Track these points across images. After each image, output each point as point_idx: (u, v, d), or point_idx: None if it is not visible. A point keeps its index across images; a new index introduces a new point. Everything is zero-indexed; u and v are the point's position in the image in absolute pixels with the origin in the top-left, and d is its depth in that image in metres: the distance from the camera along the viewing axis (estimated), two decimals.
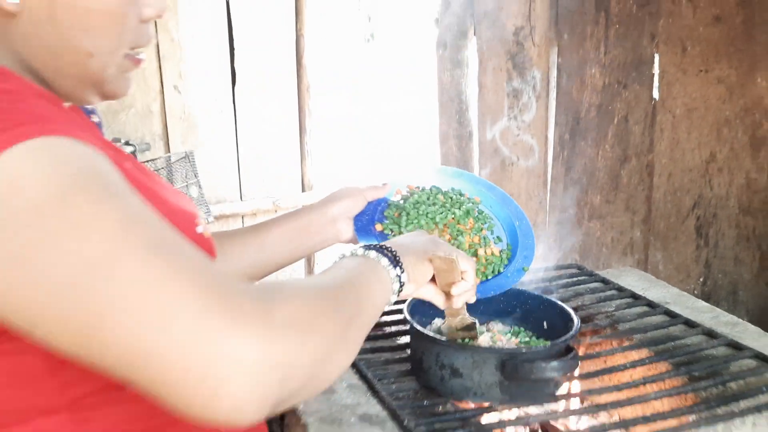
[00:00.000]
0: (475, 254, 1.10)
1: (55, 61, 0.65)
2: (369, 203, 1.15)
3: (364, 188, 1.15)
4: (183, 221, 0.69)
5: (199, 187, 2.64)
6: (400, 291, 0.77)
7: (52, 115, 0.59)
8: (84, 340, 0.51)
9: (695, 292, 1.78)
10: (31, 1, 0.62)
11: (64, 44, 0.65)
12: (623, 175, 1.78)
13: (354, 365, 1.07)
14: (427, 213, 1.12)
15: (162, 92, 2.92)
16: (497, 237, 1.17)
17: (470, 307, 0.97)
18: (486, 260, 1.10)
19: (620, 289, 1.37)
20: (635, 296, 1.33)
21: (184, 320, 0.49)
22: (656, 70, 1.73)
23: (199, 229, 0.73)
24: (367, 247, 0.77)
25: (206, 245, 0.72)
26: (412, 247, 0.83)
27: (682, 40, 1.71)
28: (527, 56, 1.93)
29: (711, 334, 1.17)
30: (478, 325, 1.01)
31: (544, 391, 0.98)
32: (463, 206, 1.15)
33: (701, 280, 1.80)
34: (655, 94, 1.73)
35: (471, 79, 2.19)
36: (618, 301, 1.32)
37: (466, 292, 0.89)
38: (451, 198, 1.18)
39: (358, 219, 1.12)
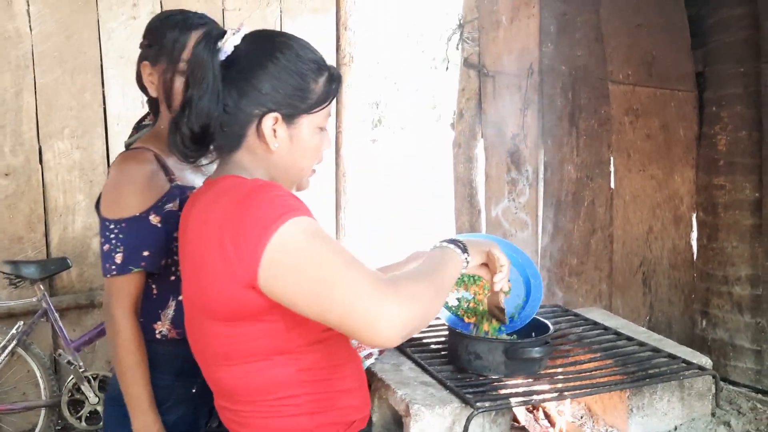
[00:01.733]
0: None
1: (284, 173, 1.23)
2: None
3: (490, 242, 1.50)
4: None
5: None
6: (466, 266, 1.29)
7: (299, 205, 1.14)
8: (322, 308, 1.09)
9: (643, 326, 2.38)
10: (282, 145, 1.19)
11: (292, 165, 1.22)
12: (592, 243, 2.41)
13: (410, 357, 1.67)
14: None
15: None
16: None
17: None
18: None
19: (586, 320, 1.98)
20: (596, 324, 1.95)
21: (364, 296, 1.07)
22: (612, 169, 2.39)
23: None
24: (448, 241, 1.29)
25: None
26: (475, 242, 1.36)
27: (626, 149, 2.39)
28: (522, 155, 2.60)
29: (641, 344, 1.78)
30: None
31: (532, 369, 1.58)
32: None
33: (647, 318, 2.40)
34: (612, 185, 2.38)
35: (479, 171, 2.86)
36: (583, 327, 1.93)
37: (502, 279, 1.39)
38: None
39: None
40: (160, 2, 3.37)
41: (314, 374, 1.23)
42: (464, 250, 1.30)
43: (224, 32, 1.20)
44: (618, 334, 1.86)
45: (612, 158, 2.41)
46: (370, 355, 1.65)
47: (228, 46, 1.18)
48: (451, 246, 1.29)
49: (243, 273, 1.09)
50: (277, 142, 1.19)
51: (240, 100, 1.17)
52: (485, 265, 1.42)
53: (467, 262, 1.31)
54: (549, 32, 2.42)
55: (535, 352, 1.54)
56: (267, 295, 1.10)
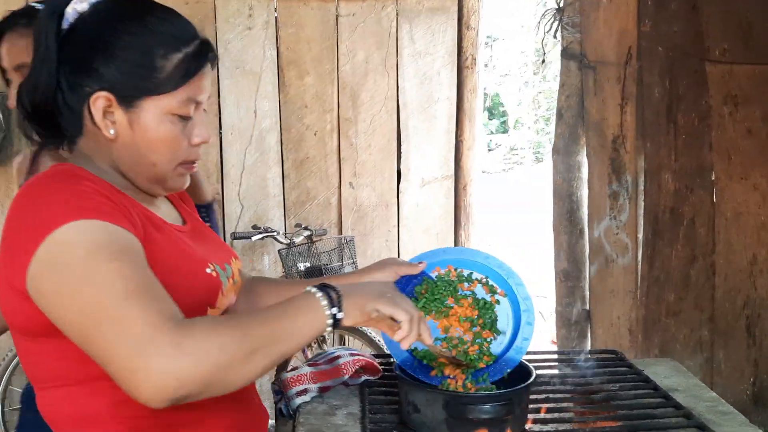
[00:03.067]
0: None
1: (134, 167, 1.04)
2: (402, 277, 1.30)
3: (400, 264, 1.31)
4: (194, 264, 1.07)
5: (356, 267, 3.07)
6: (335, 325, 0.98)
7: (97, 206, 0.93)
8: (84, 341, 0.88)
9: (747, 393, 1.70)
10: (121, 132, 1.01)
11: (139, 158, 1.03)
12: (692, 274, 1.82)
13: (363, 398, 1.36)
14: (436, 299, 1.28)
15: (339, 187, 3.48)
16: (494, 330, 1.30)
17: None
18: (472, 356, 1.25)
19: (638, 374, 1.48)
20: (647, 381, 1.44)
21: (131, 341, 0.84)
22: (713, 176, 1.80)
23: (208, 270, 1.09)
24: (320, 287, 0.99)
25: (212, 282, 1.08)
26: (359, 292, 1.03)
27: (727, 149, 1.76)
28: (622, 162, 2.09)
29: (688, 416, 1.26)
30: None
31: None
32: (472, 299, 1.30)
33: (751, 380, 1.73)
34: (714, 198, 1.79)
35: (581, 181, 2.38)
36: (628, 383, 1.44)
37: (403, 338, 1.03)
38: (466, 284, 1.32)
39: None
40: (275, 13, 3.39)
41: (139, 409, 0.99)
42: (335, 303, 0.99)
43: None
44: (667, 398, 1.35)
45: (713, 163, 1.82)
46: (304, 391, 1.36)
47: (71, 12, 1.02)
48: (319, 294, 0.99)
49: (16, 280, 0.92)
50: (113, 128, 1.01)
51: (72, 77, 1.01)
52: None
53: (333, 320, 0.98)
54: (647, 6, 1.91)
55: (483, 412, 1.14)
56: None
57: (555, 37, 2.39)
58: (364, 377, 1.45)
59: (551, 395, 1.38)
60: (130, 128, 1.01)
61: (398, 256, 3.52)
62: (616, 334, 2.17)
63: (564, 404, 1.34)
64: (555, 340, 2.91)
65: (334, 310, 0.98)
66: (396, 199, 3.49)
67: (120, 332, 0.85)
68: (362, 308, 1.01)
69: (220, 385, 0.90)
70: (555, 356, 1.62)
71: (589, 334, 2.43)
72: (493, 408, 1.14)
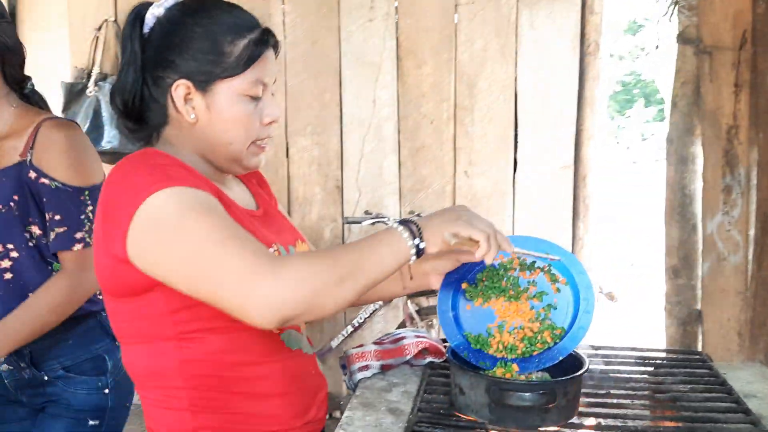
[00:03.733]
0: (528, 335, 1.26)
1: (213, 148, 1.17)
2: (464, 264, 1.31)
3: (460, 251, 1.29)
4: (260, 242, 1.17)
5: None
6: (419, 254, 1.05)
7: (181, 176, 1.06)
8: (191, 287, 1.02)
9: None
10: (200, 116, 1.14)
11: (216, 138, 1.15)
12: None
13: (423, 378, 1.41)
14: (495, 287, 1.30)
15: (454, 176, 3.51)
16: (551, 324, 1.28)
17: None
18: (532, 340, 1.26)
19: (716, 377, 1.40)
20: (722, 384, 1.36)
21: (235, 274, 0.97)
22: None
23: (271, 250, 1.17)
24: (402, 221, 1.07)
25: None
26: (436, 220, 1.07)
27: None
28: (735, 153, 1.94)
29: (755, 423, 1.18)
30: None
31: (528, 422, 1.18)
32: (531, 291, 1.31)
33: None
34: None
35: (695, 174, 2.24)
36: (701, 386, 1.37)
37: (484, 255, 1.08)
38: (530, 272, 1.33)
39: (449, 275, 1.32)
40: (395, 3, 3.46)
41: (200, 368, 1.14)
42: (416, 234, 1.05)
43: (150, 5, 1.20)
44: (738, 403, 1.27)
45: None
46: (366, 367, 1.43)
47: (150, 18, 1.17)
48: (400, 228, 1.06)
49: (114, 246, 1.07)
50: (193, 113, 1.14)
51: (155, 72, 1.15)
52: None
53: (417, 250, 1.05)
54: None
55: (523, 399, 1.14)
56: (140, 269, 1.06)
57: (670, 20, 2.26)
58: (429, 359, 1.50)
59: (614, 390, 1.35)
60: (207, 111, 1.13)
61: None
62: (725, 336, 2.03)
63: (623, 401, 1.31)
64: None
65: (416, 240, 1.05)
66: (512, 189, 3.46)
67: (224, 272, 0.98)
68: (441, 234, 1.06)
69: (317, 309, 1.00)
70: (633, 353, 1.56)
71: (699, 336, 2.28)
72: (534, 396, 1.15)
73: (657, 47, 2.40)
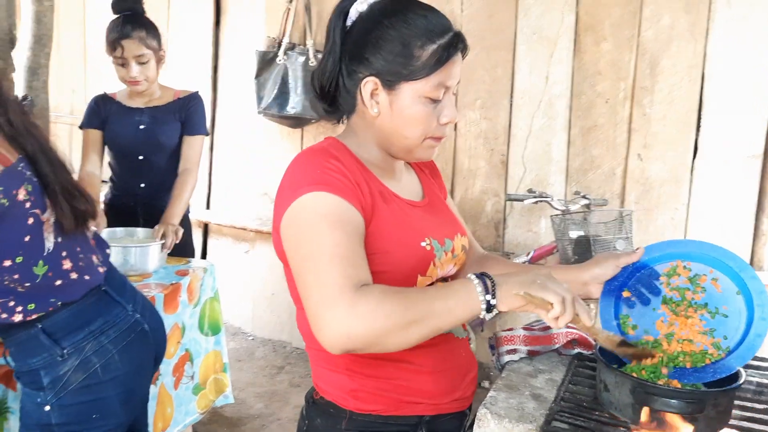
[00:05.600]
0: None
1: (389, 139, 1.25)
2: (624, 268, 1.34)
3: (618, 255, 1.35)
4: (412, 235, 1.23)
5: (630, 243, 2.98)
6: (489, 311, 1.08)
7: (334, 182, 1.16)
8: (297, 281, 1.13)
9: None
10: (383, 111, 1.23)
11: (394, 132, 1.22)
12: None
13: (569, 368, 1.44)
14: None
15: (626, 158, 3.38)
16: (722, 337, 1.26)
17: None
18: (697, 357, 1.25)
19: None
20: None
21: (321, 294, 1.06)
22: None
23: (423, 243, 1.24)
24: (478, 275, 1.09)
25: (424, 254, 1.23)
26: (512, 280, 1.08)
27: None
28: None
29: None
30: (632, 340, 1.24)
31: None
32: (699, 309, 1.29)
33: None
34: None
35: None
36: None
37: (555, 319, 1.08)
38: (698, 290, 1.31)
39: (609, 283, 1.34)
40: None
41: None
42: (489, 290, 1.08)
43: None
44: None
45: None
46: (514, 350, 1.49)
47: (353, 12, 1.27)
48: (476, 281, 1.09)
49: (277, 222, 1.22)
50: (376, 108, 1.24)
51: (350, 64, 1.25)
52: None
53: (487, 305, 1.07)
54: None
55: (667, 405, 1.14)
56: None
57: None
58: (578, 350, 1.52)
59: None
60: (390, 108, 1.22)
61: (685, 236, 3.32)
62: None
63: None
64: None
65: (488, 296, 1.07)
66: (689, 176, 3.27)
67: (317, 284, 1.08)
68: (515, 297, 1.07)
69: (380, 347, 1.07)
70: None
71: None
72: (679, 404, 1.14)
73: None
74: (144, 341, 1.60)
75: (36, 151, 1.39)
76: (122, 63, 2.55)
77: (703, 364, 1.25)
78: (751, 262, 3.18)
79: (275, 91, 3.74)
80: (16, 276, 1.38)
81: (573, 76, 3.41)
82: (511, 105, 3.56)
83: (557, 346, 1.51)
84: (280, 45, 3.77)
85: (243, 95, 4.01)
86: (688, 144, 3.26)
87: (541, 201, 3.11)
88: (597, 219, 3.10)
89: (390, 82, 1.21)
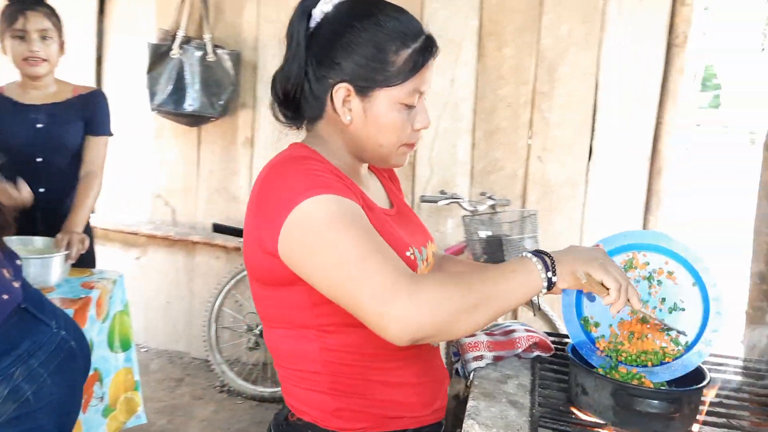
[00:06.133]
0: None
1: (362, 147, 1.20)
2: None
3: (603, 253, 1.30)
4: (397, 246, 1.18)
5: (536, 242, 3.10)
6: (550, 288, 1.08)
7: (331, 184, 1.09)
8: (332, 293, 1.06)
9: None
10: (355, 118, 1.17)
11: (368, 140, 1.17)
12: None
13: (534, 372, 1.46)
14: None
15: (527, 161, 3.51)
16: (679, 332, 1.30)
17: None
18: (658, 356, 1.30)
19: None
20: None
21: (373, 289, 1.00)
22: None
23: (407, 253, 1.20)
24: (534, 253, 1.09)
25: (409, 265, 1.16)
26: (572, 256, 1.11)
27: None
28: None
29: None
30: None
31: (651, 427, 1.22)
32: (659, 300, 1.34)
33: None
34: None
35: None
36: None
37: (612, 303, 1.11)
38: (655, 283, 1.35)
39: None
40: None
41: (339, 356, 1.19)
42: (549, 267, 1.08)
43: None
44: None
45: None
46: (480, 357, 1.48)
47: (317, 13, 1.19)
48: (534, 260, 1.09)
49: (267, 241, 1.11)
50: (349, 115, 1.17)
51: (318, 69, 1.17)
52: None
53: (548, 282, 1.08)
54: None
55: (650, 406, 1.18)
56: (287, 265, 1.11)
57: None
58: (537, 353, 1.54)
59: (725, 400, 1.38)
60: (363, 115, 1.16)
61: (581, 236, 3.50)
62: None
63: (737, 411, 1.34)
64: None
65: (549, 273, 1.07)
66: (585, 178, 3.45)
67: (364, 286, 1.01)
68: (574, 272, 1.10)
69: (448, 333, 1.04)
70: (739, 362, 1.58)
71: None
72: (661, 404, 1.18)
73: (764, 49, 2.35)
74: (73, 359, 1.44)
75: None
76: (22, 36, 2.26)
77: (663, 362, 1.30)
78: None
79: (170, 87, 3.52)
80: None
81: (477, 80, 3.49)
82: None
83: (520, 350, 1.52)
84: (174, 38, 3.55)
85: (132, 90, 3.73)
86: (584, 148, 3.44)
87: (453, 202, 3.16)
88: (503, 219, 3.21)
89: (364, 89, 1.15)
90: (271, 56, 3.65)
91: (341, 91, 1.15)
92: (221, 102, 3.53)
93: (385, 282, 1.00)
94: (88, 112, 2.41)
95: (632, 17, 3.30)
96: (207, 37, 3.54)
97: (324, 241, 1.05)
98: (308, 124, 1.25)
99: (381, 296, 1.00)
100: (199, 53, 3.53)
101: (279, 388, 3.42)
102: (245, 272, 3.54)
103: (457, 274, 1.09)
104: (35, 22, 2.24)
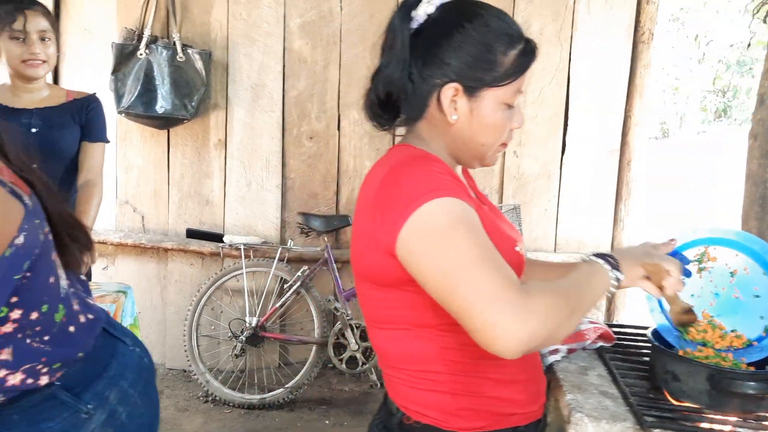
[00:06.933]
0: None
1: (464, 147, 1.20)
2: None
3: (657, 246, 1.34)
4: (507, 242, 1.21)
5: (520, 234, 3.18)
6: (617, 285, 1.15)
7: (452, 186, 1.10)
8: (444, 296, 1.06)
9: None
10: (461, 118, 1.17)
11: (470, 140, 1.19)
12: None
13: (604, 362, 1.51)
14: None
15: (504, 155, 3.58)
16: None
17: None
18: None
19: None
20: None
21: (487, 299, 1.00)
22: None
23: (517, 248, 1.25)
24: (597, 255, 1.16)
25: (520, 260, 1.23)
26: (629, 254, 1.20)
27: None
28: None
29: None
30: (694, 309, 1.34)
31: (745, 407, 1.30)
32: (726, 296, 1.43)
33: None
34: None
35: None
36: None
37: (672, 284, 1.21)
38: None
39: None
40: None
41: (459, 354, 1.19)
42: (615, 266, 1.16)
43: (421, 0, 1.20)
44: None
45: None
46: (555, 351, 1.52)
47: (420, 14, 1.18)
48: (600, 261, 1.16)
49: (385, 241, 1.09)
50: (455, 114, 1.17)
51: (424, 69, 1.16)
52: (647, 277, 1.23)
53: (617, 281, 1.15)
54: None
55: (749, 387, 1.26)
56: (402, 266, 1.10)
57: (765, 21, 2.36)
58: (600, 343, 1.59)
59: None
60: (470, 114, 1.16)
61: (556, 226, 3.62)
62: None
63: None
64: None
65: (616, 272, 1.14)
66: (559, 171, 3.57)
67: (477, 292, 1.01)
68: (636, 268, 1.19)
69: (552, 342, 1.05)
70: None
71: None
72: (759, 385, 1.26)
73: (749, 45, 2.51)
74: (151, 376, 1.36)
75: (33, 175, 1.12)
76: (22, 38, 2.11)
77: (748, 345, 1.39)
78: (612, 246, 3.58)
79: (138, 89, 3.36)
80: (38, 328, 1.09)
81: None
82: None
83: (588, 342, 1.56)
84: (140, 37, 3.40)
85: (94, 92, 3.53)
86: (557, 141, 3.56)
87: None
88: None
89: (472, 89, 1.16)
90: (242, 55, 3.56)
91: (450, 90, 1.15)
92: (193, 103, 3.41)
93: (497, 290, 1.01)
94: (84, 117, 2.28)
95: (600, 16, 3.43)
96: (176, 36, 3.41)
97: (442, 245, 1.05)
98: (406, 125, 1.25)
99: (494, 305, 1.00)
100: (167, 53, 3.40)
101: (268, 395, 3.37)
102: (224, 278, 3.45)
103: (552, 281, 1.11)
104: (35, 22, 2.09)
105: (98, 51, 3.51)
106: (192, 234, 3.55)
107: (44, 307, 1.08)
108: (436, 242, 1.05)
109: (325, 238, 3.41)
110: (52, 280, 1.10)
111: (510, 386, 1.25)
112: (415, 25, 1.18)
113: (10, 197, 1.02)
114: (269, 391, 3.42)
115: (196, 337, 3.44)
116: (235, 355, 3.42)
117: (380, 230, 1.11)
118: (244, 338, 3.40)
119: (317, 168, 3.66)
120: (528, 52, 1.18)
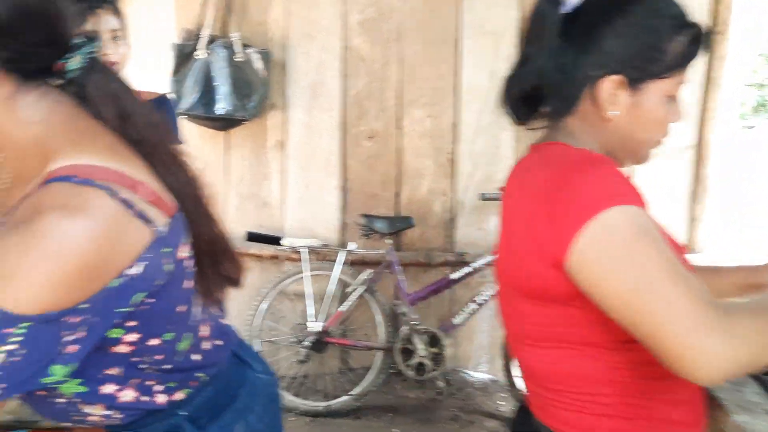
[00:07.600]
0: None
1: (621, 145, 1.09)
2: None
3: None
4: (681, 254, 1.10)
5: None
6: None
7: (635, 193, 0.97)
8: (629, 315, 0.94)
9: None
10: (620, 111, 1.06)
11: (630, 136, 1.08)
12: None
13: (756, 378, 1.38)
14: None
15: None
16: None
17: None
18: None
19: None
20: None
21: (686, 320, 0.89)
22: None
23: (680, 244, 1.14)
24: None
25: (690, 269, 1.13)
26: None
27: None
28: None
29: None
30: None
31: None
32: None
33: None
34: None
35: None
36: None
37: None
38: None
39: None
40: None
41: (628, 374, 1.07)
42: None
43: None
44: None
45: None
46: None
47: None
48: None
49: (552, 250, 0.98)
50: (615, 109, 1.05)
51: (578, 59, 1.04)
52: None
53: None
54: None
55: None
56: (573, 280, 0.99)
57: None
58: None
59: None
60: (632, 109, 1.05)
61: None
62: None
63: None
64: None
65: None
66: (632, 168, 3.42)
67: (672, 311, 0.89)
68: None
69: (755, 366, 0.93)
70: None
71: None
72: None
73: None
74: (278, 405, 1.26)
75: (182, 188, 0.99)
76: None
77: None
78: (688, 246, 3.43)
79: (198, 90, 3.29)
80: (159, 357, 0.99)
81: None
82: (457, 101, 3.48)
83: None
84: (198, 37, 3.33)
85: (165, 93, 3.47)
86: None
87: None
88: None
89: (636, 81, 1.04)
90: (300, 54, 3.47)
91: (610, 82, 1.04)
92: (252, 103, 3.33)
93: (697, 311, 0.89)
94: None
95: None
96: (235, 35, 3.33)
97: (629, 258, 0.93)
98: (550, 120, 1.13)
99: (691, 327, 0.89)
100: (224, 52, 3.32)
101: (333, 402, 3.28)
102: (286, 282, 3.37)
103: (741, 303, 0.99)
104: (106, 21, 2.00)
105: (158, 52, 3.44)
106: (252, 237, 3.47)
107: (167, 336, 0.98)
108: (622, 255, 0.93)
109: (388, 241, 3.31)
110: (181, 309, 0.99)
111: (677, 407, 1.13)
112: (567, 9, 1.06)
113: (134, 223, 0.84)
114: (334, 398, 3.33)
115: (259, 342, 3.36)
116: (300, 360, 3.34)
117: (546, 237, 0.99)
118: (309, 344, 3.31)
119: (376, 168, 3.56)
120: (697, 38, 1.07)
